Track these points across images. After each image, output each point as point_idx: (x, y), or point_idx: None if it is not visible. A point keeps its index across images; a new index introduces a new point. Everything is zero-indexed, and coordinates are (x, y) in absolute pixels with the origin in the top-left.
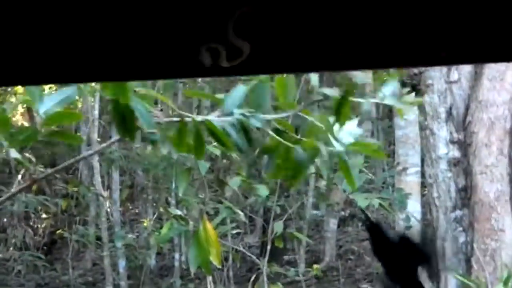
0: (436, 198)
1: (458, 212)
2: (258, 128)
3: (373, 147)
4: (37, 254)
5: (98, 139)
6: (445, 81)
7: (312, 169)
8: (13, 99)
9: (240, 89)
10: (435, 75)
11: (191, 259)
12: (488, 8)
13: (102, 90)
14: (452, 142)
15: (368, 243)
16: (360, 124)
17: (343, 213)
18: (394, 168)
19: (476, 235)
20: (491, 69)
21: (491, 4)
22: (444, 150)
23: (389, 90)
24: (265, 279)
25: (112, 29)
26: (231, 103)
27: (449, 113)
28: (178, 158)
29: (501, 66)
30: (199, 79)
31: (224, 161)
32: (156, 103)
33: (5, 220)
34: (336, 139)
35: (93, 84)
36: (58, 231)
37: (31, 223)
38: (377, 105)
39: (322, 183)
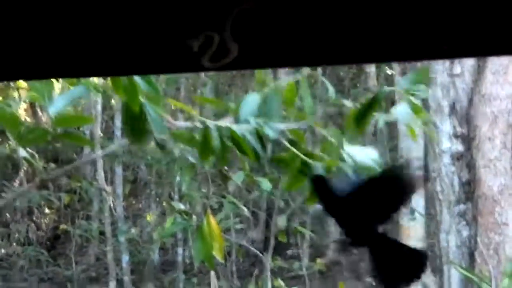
0: (439, 192)
1: (462, 206)
2: (270, 139)
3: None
4: (40, 249)
5: (101, 134)
6: (448, 75)
7: None
8: (15, 94)
9: (254, 97)
10: (438, 69)
11: (194, 254)
12: (491, 0)
13: (114, 90)
14: (455, 136)
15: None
16: None
17: None
18: (397, 163)
19: (480, 229)
20: (494, 63)
21: None
22: (447, 144)
23: (402, 109)
24: (269, 273)
25: (104, 24)
26: (246, 111)
27: (452, 107)
28: (181, 153)
29: (504, 59)
30: (202, 74)
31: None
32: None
33: (8, 215)
34: (348, 155)
35: (98, 81)
36: (61, 226)
37: (34, 218)
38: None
39: None
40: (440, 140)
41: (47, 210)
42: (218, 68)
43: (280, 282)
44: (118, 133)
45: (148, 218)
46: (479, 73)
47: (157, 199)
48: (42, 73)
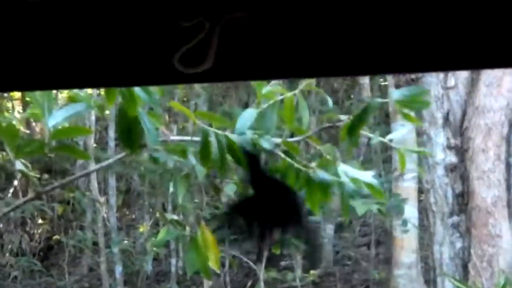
0: (433, 204)
1: (455, 218)
2: (266, 151)
3: (377, 190)
4: (33, 260)
5: (95, 145)
6: (442, 87)
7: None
8: (9, 104)
9: (250, 112)
10: (432, 81)
11: (188, 264)
12: (485, 14)
13: (107, 97)
14: (449, 147)
15: (365, 248)
16: None
17: (340, 219)
18: (391, 174)
19: (473, 241)
20: (488, 75)
21: (488, 11)
22: (441, 155)
23: (398, 134)
24: (262, 284)
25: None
26: (243, 124)
27: (446, 118)
28: (175, 164)
29: (498, 72)
30: (196, 85)
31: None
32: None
33: (1, 225)
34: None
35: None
36: (54, 237)
37: (27, 229)
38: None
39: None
40: (434, 151)
41: (40, 221)
42: (198, 78)
43: None
44: (111, 143)
45: (142, 229)
46: (472, 85)
47: (151, 209)
48: (35, 85)
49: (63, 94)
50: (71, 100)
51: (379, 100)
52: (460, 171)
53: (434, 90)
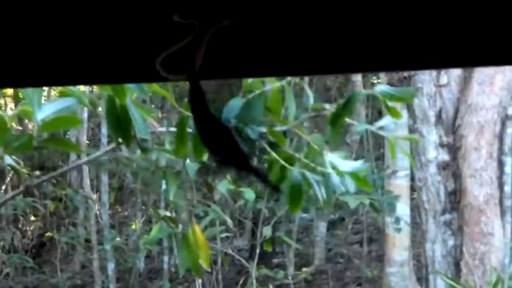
0: (425, 202)
1: (447, 216)
2: (253, 142)
3: (364, 180)
4: (25, 257)
5: (87, 142)
6: (435, 85)
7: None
8: (1, 101)
9: (236, 101)
10: (425, 79)
11: (180, 263)
12: (479, 12)
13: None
14: (441, 145)
15: (358, 246)
16: (348, 127)
17: (332, 216)
18: (384, 171)
19: (465, 239)
20: (481, 73)
21: (482, 8)
22: (434, 153)
23: (386, 121)
24: (254, 282)
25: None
26: (228, 113)
27: (438, 116)
28: (167, 162)
29: (490, 70)
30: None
31: (214, 164)
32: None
33: None
34: (330, 162)
35: (89, 93)
36: (46, 234)
37: (19, 226)
38: (367, 108)
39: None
40: (426, 149)
41: (32, 218)
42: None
43: None
44: (104, 140)
45: (134, 226)
46: (465, 83)
47: (143, 207)
48: (26, 81)
49: (56, 92)
50: (62, 95)
51: (364, 91)
52: (452, 169)
53: (427, 88)
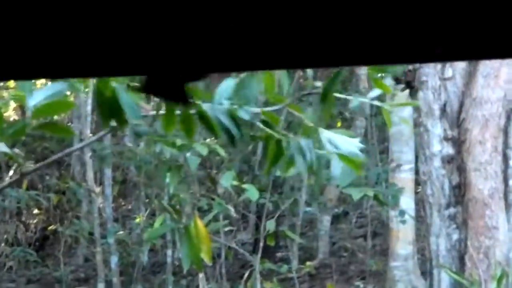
0: (429, 195)
1: (452, 210)
2: (247, 122)
3: (355, 162)
4: (28, 250)
5: (91, 135)
6: (439, 78)
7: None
8: (5, 94)
9: (229, 82)
10: (429, 72)
11: (183, 257)
12: (484, 4)
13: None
14: (446, 139)
15: (362, 240)
16: (353, 121)
17: (336, 210)
18: (388, 165)
19: (470, 233)
20: (486, 66)
21: (487, 0)
22: (438, 147)
23: (378, 91)
24: (258, 276)
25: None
26: (221, 94)
27: (443, 110)
28: (170, 155)
29: (495, 63)
30: None
31: (217, 158)
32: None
33: None
34: (327, 141)
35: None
36: (50, 227)
37: (22, 219)
38: (370, 107)
39: (314, 180)
40: (431, 143)
41: (36, 211)
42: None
43: (274, 282)
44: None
45: (138, 220)
46: (470, 76)
47: (147, 200)
48: (23, 74)
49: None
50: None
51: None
52: (457, 162)
53: (432, 81)
